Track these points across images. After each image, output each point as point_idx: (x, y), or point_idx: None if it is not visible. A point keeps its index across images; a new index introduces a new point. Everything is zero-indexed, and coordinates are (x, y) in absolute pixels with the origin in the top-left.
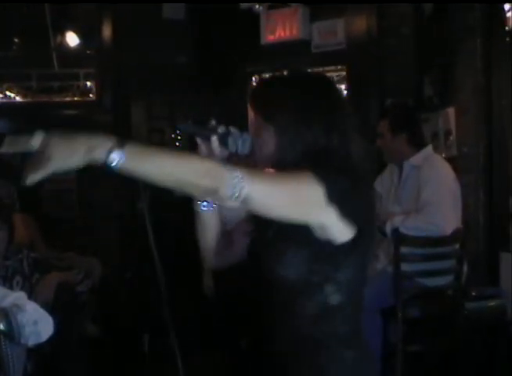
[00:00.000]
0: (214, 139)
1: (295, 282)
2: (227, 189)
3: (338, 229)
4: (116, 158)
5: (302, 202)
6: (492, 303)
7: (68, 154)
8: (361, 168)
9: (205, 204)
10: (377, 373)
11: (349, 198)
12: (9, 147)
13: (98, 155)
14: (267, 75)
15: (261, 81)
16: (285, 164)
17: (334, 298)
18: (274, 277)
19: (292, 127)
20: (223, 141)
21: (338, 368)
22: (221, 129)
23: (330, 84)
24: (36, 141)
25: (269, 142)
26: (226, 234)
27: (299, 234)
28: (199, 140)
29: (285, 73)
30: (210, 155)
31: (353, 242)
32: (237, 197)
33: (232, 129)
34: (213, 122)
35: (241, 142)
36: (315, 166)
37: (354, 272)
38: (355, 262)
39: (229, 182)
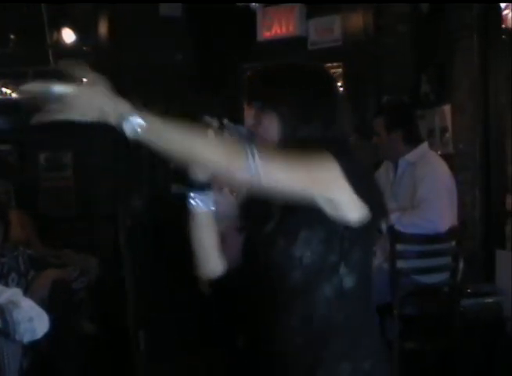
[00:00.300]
0: (210, 133)
1: (313, 262)
2: (241, 167)
3: (351, 208)
4: (135, 125)
5: (319, 178)
6: (488, 300)
7: (86, 110)
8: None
9: (201, 201)
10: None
11: (362, 178)
12: (31, 87)
13: (116, 120)
14: None
15: (260, 68)
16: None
17: (349, 279)
18: (288, 258)
19: (296, 113)
20: (220, 130)
21: (358, 352)
22: (215, 123)
23: (331, 76)
24: (58, 88)
25: (270, 130)
26: (221, 235)
27: (310, 214)
28: None
29: (284, 62)
30: None
31: (364, 222)
32: (252, 174)
33: (227, 122)
34: (207, 117)
35: (238, 135)
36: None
37: (364, 253)
38: (365, 243)
39: (244, 160)
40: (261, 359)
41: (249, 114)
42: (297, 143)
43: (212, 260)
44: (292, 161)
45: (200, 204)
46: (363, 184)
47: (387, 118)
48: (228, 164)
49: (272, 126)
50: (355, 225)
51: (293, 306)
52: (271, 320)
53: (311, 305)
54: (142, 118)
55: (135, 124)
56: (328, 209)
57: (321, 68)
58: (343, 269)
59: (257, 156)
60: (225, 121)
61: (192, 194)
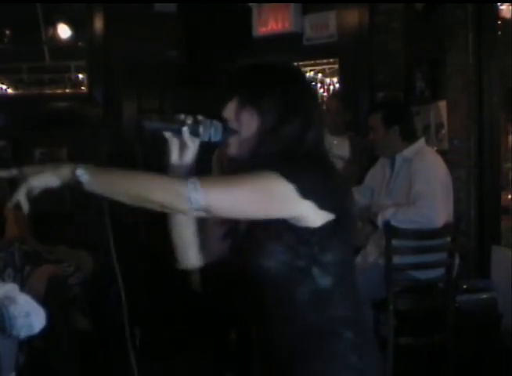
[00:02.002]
0: (185, 129)
1: (280, 270)
2: (183, 202)
3: (316, 217)
4: (80, 176)
5: (270, 200)
6: (483, 296)
7: (39, 172)
8: (328, 158)
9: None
10: (380, 359)
11: (324, 189)
12: None
13: (64, 173)
14: None
15: (246, 64)
16: (260, 152)
17: (323, 280)
18: (257, 268)
19: (276, 112)
20: (194, 131)
21: (343, 350)
22: (189, 119)
23: (306, 78)
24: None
25: (249, 127)
26: (204, 227)
27: (275, 226)
28: (168, 135)
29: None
30: (183, 148)
31: (332, 224)
32: (197, 208)
33: (201, 118)
34: (181, 115)
35: (213, 130)
36: (286, 160)
37: (338, 254)
38: (337, 244)
39: (185, 195)
40: (253, 357)
41: (229, 108)
42: (260, 153)
43: (191, 252)
44: (242, 185)
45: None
46: (328, 193)
47: (384, 114)
48: (170, 201)
49: (251, 122)
50: (323, 227)
51: (272, 309)
52: (256, 321)
53: (289, 308)
54: (85, 170)
55: (80, 175)
56: (291, 221)
57: (301, 71)
58: (315, 271)
59: (199, 187)
60: (200, 117)
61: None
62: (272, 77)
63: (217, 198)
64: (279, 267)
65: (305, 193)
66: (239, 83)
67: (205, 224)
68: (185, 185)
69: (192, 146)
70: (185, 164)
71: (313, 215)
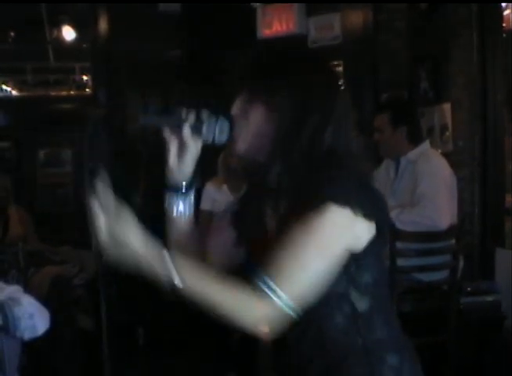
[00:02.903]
0: (186, 127)
1: (319, 298)
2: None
3: (366, 234)
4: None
5: (340, 246)
6: (487, 298)
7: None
8: (362, 164)
9: (182, 204)
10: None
11: (366, 198)
12: None
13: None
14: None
15: (257, 52)
16: (275, 155)
17: (361, 303)
18: None
19: (291, 110)
20: (196, 129)
21: (382, 372)
22: (192, 116)
23: (333, 69)
24: None
25: (259, 125)
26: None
27: None
28: (167, 133)
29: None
30: (183, 149)
31: (372, 242)
32: (288, 307)
33: (206, 115)
34: (183, 110)
35: (218, 130)
36: (317, 171)
37: (375, 273)
38: (374, 262)
39: (271, 310)
40: (255, 357)
41: (237, 104)
42: (270, 158)
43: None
44: (309, 256)
45: (180, 208)
46: (370, 204)
47: (392, 114)
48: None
49: (261, 120)
50: (363, 250)
51: (303, 335)
52: (282, 346)
53: (324, 334)
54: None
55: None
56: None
57: (323, 59)
58: (354, 295)
59: (276, 288)
60: (205, 114)
61: (172, 198)
62: (281, 69)
63: (297, 288)
64: (317, 295)
65: (358, 210)
66: (248, 73)
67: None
68: (272, 304)
69: (194, 148)
70: (185, 168)
71: (366, 233)
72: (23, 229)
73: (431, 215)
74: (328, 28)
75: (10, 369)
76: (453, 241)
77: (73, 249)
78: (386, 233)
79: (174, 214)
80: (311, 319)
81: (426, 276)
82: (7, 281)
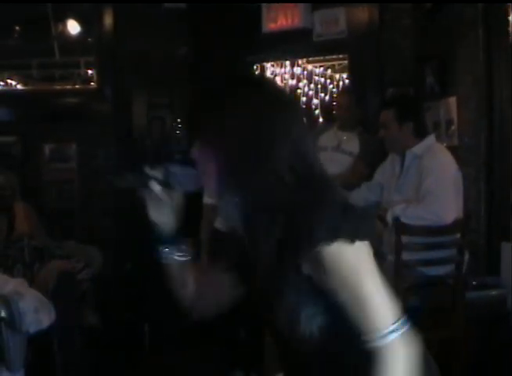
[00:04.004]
0: (154, 184)
1: (324, 335)
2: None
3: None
4: None
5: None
6: (492, 293)
7: None
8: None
9: (174, 253)
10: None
11: (357, 226)
12: None
13: None
14: (268, 64)
15: (193, 100)
16: (241, 203)
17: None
18: (293, 334)
19: (238, 153)
20: (164, 183)
21: None
22: (158, 171)
23: (289, 96)
24: None
25: (209, 172)
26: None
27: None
28: (141, 192)
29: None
30: (160, 204)
31: None
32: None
33: (172, 167)
34: (147, 168)
35: (184, 179)
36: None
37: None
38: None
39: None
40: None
41: (193, 151)
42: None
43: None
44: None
45: (173, 256)
46: (361, 227)
47: (398, 110)
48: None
49: (210, 167)
50: None
51: (312, 368)
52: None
53: (338, 371)
54: None
55: None
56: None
57: (273, 84)
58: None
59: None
60: (171, 167)
61: (164, 249)
62: (220, 109)
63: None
64: (322, 332)
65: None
66: (193, 122)
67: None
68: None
69: (169, 200)
70: (166, 219)
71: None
72: (28, 224)
73: (437, 210)
74: (333, 22)
75: (16, 364)
76: (459, 235)
77: (79, 244)
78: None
79: (169, 262)
80: (326, 359)
81: (431, 271)
82: (12, 276)
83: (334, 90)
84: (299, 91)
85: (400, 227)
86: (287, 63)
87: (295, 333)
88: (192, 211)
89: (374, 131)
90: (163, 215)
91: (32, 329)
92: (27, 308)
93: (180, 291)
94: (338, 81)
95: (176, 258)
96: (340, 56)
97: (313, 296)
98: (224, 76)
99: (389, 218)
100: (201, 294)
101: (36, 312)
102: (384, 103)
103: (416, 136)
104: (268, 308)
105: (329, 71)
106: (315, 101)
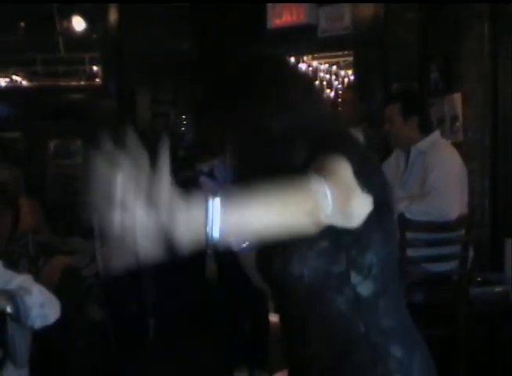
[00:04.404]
0: (202, 179)
1: (314, 278)
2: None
3: (361, 210)
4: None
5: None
6: (496, 289)
7: None
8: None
9: (243, 242)
10: (433, 371)
11: (366, 164)
12: None
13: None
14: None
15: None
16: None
17: (364, 288)
18: (288, 277)
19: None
20: (211, 175)
21: (387, 365)
22: (206, 165)
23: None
24: None
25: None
26: None
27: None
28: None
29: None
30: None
31: (372, 217)
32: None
33: (216, 161)
34: (197, 164)
35: (224, 171)
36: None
37: (380, 255)
38: (379, 243)
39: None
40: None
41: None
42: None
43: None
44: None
45: (240, 244)
46: (372, 177)
47: (403, 105)
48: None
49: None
50: (360, 226)
51: (307, 320)
52: (289, 332)
53: (326, 320)
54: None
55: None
56: (338, 222)
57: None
58: (354, 278)
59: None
60: (215, 161)
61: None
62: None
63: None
64: (312, 275)
65: (358, 171)
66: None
67: None
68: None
69: (219, 191)
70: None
71: (361, 208)
72: (33, 220)
73: (441, 206)
74: (338, 18)
75: (21, 359)
76: (463, 232)
77: (83, 239)
78: (388, 213)
79: (234, 250)
80: (314, 307)
81: (435, 267)
82: (17, 271)
83: (339, 87)
84: None
85: (404, 223)
86: (292, 59)
87: (287, 274)
88: None
89: (379, 126)
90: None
91: (38, 324)
92: (33, 303)
93: (256, 277)
94: (343, 78)
95: (244, 245)
96: (345, 52)
97: (309, 238)
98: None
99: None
100: None
101: (42, 308)
102: (390, 98)
103: (420, 132)
104: (268, 257)
105: (334, 68)
106: None
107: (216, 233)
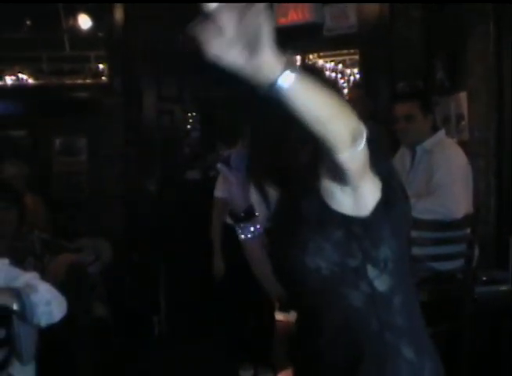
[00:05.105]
0: (220, 166)
1: (331, 271)
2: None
3: (370, 194)
4: (288, 80)
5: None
6: (501, 288)
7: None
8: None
9: (250, 232)
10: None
11: (378, 152)
12: None
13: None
14: None
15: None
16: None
17: (380, 283)
18: (303, 269)
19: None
20: (226, 163)
21: (396, 364)
22: (223, 156)
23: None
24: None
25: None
26: None
27: (319, 220)
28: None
29: None
30: (225, 181)
31: (381, 206)
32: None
33: (230, 151)
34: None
35: (236, 160)
36: None
37: (394, 248)
38: (390, 234)
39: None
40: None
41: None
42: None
43: (271, 282)
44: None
45: (245, 233)
46: (382, 164)
47: (423, 102)
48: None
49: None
50: (370, 216)
51: (323, 315)
52: (304, 330)
53: (342, 315)
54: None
55: (289, 80)
56: (346, 202)
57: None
58: (371, 271)
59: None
60: (232, 149)
61: (238, 226)
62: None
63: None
64: (329, 267)
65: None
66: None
67: None
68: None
69: (235, 179)
70: (237, 201)
71: (371, 193)
72: (39, 217)
73: (447, 204)
74: (343, 17)
75: (27, 356)
76: (468, 230)
77: (88, 237)
78: (398, 202)
79: (240, 239)
80: (329, 301)
81: (441, 265)
82: (24, 268)
83: (345, 85)
84: None
85: None
86: (298, 57)
87: (304, 266)
88: None
89: (385, 124)
90: (233, 194)
91: (44, 322)
92: (39, 301)
93: (258, 269)
94: (349, 76)
95: (249, 235)
96: (351, 50)
97: (324, 228)
98: None
99: None
100: None
101: (48, 306)
102: (407, 96)
103: (432, 129)
104: (283, 248)
105: (339, 66)
106: None
107: None
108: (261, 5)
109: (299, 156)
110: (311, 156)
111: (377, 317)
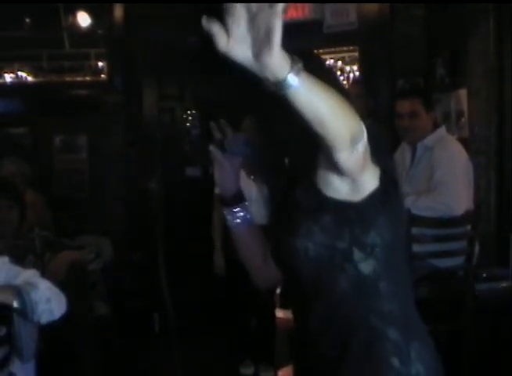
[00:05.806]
0: (212, 148)
1: (318, 252)
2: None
3: (368, 181)
4: (294, 80)
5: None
6: (502, 284)
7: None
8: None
9: (238, 217)
10: (436, 361)
11: (379, 142)
12: None
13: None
14: None
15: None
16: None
17: (365, 266)
18: (292, 251)
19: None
20: (221, 147)
21: (383, 346)
22: (218, 135)
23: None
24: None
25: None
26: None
27: (311, 202)
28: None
29: None
30: (219, 165)
31: (377, 194)
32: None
33: (229, 131)
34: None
35: (233, 143)
36: None
37: (385, 235)
38: (384, 221)
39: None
40: (294, 351)
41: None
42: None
43: (257, 271)
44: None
45: (233, 218)
46: (381, 154)
47: (425, 99)
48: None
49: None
50: (365, 202)
51: (311, 296)
52: (295, 313)
53: (329, 296)
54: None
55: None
56: (344, 189)
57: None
58: (357, 255)
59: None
60: (229, 131)
61: (226, 210)
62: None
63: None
64: (316, 249)
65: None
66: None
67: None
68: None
69: (227, 164)
70: (225, 183)
71: (368, 180)
72: (39, 215)
73: (448, 201)
74: (343, 14)
75: (27, 354)
76: (469, 227)
77: (88, 234)
78: (395, 190)
79: (229, 224)
80: (319, 284)
81: (441, 263)
82: (24, 266)
83: (345, 82)
84: None
85: (410, 218)
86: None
87: (293, 248)
88: None
89: (385, 121)
90: (223, 177)
91: (44, 319)
92: (40, 298)
93: (246, 256)
94: (349, 74)
95: (237, 220)
96: (351, 47)
97: (317, 213)
98: None
99: None
100: (267, 261)
101: (48, 303)
102: (408, 93)
103: (434, 126)
104: (278, 236)
105: (339, 63)
106: None
107: None
108: (280, 6)
109: (301, 149)
110: (311, 149)
111: (364, 303)
